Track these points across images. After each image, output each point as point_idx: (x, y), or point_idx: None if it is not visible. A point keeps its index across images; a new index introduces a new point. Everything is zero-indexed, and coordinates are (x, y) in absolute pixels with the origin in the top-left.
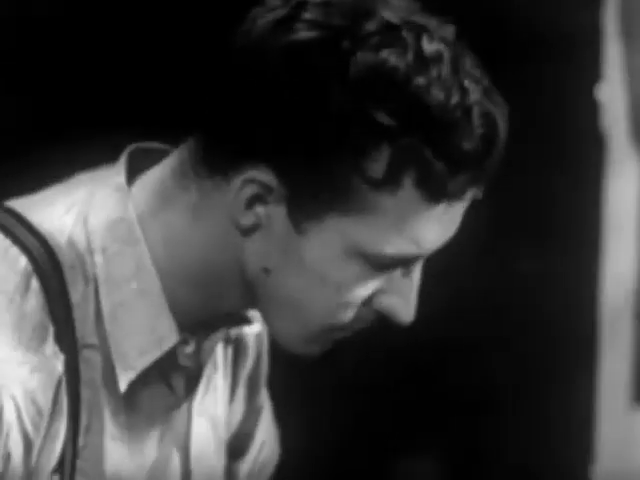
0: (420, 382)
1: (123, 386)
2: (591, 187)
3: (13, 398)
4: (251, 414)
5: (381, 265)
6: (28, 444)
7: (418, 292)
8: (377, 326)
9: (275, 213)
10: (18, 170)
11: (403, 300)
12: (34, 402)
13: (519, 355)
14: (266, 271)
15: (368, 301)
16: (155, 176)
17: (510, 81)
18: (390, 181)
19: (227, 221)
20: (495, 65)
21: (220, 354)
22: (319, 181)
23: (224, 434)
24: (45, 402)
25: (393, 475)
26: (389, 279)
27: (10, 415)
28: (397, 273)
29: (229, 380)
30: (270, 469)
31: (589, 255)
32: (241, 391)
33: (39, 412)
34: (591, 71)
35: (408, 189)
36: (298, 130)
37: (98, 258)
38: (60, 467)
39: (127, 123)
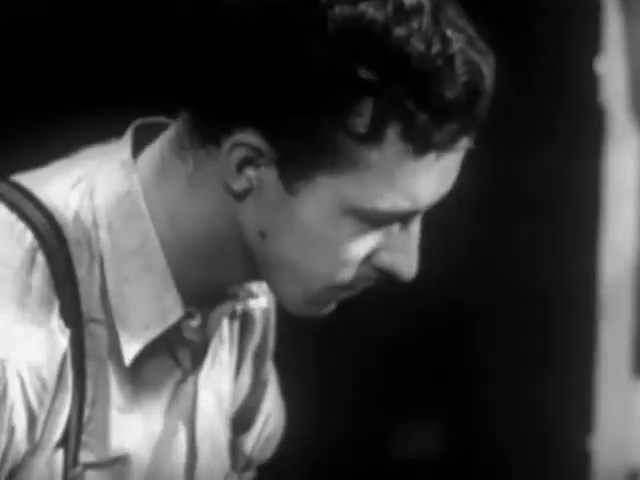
0: (419, 350)
1: (128, 359)
2: (590, 160)
3: (18, 372)
4: (257, 388)
5: (376, 221)
6: (32, 418)
7: (418, 247)
8: (380, 292)
9: (266, 176)
10: (22, 146)
11: (404, 256)
12: (39, 376)
13: (519, 325)
14: (262, 235)
15: (368, 259)
16: (156, 150)
17: (509, 54)
18: (375, 135)
19: (221, 188)
20: (494, 38)
21: (226, 329)
22: (305, 140)
23: (229, 408)
24: (50, 376)
25: (393, 441)
26: (388, 236)
27: (15, 389)
28: (396, 229)
29: (235, 354)
30: (275, 442)
31: (589, 228)
32: (247, 365)
33: (44, 386)
34: (591, 44)
35: (393, 142)
36: (280, 89)
37: (103, 233)
38: (65, 441)
39: (130, 98)
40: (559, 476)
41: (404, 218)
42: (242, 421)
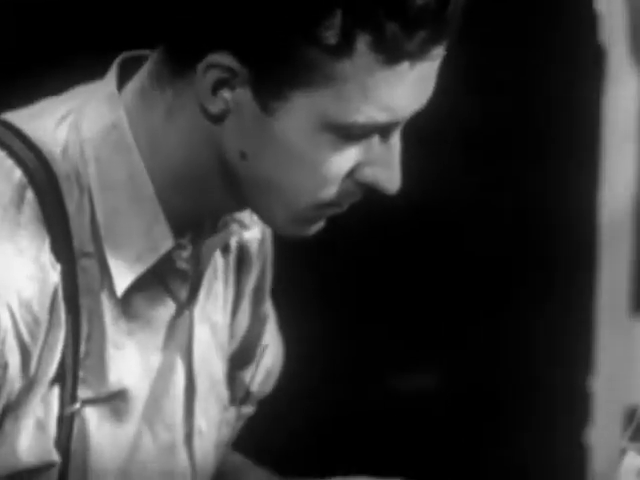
0: (419, 298)
1: (120, 291)
2: (590, 99)
3: (8, 307)
4: (256, 323)
5: (355, 135)
6: (25, 353)
7: (400, 160)
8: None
9: (242, 97)
10: (15, 93)
11: (386, 169)
12: (30, 311)
13: (519, 265)
14: (243, 156)
15: (351, 174)
16: (137, 82)
17: None
18: (345, 47)
19: (200, 113)
20: None
21: (220, 262)
22: (277, 58)
23: (224, 341)
24: (41, 311)
25: (389, 379)
26: (368, 150)
27: (6, 323)
28: (376, 143)
29: (232, 289)
30: (275, 377)
31: (588, 167)
32: (246, 301)
33: (35, 321)
34: None
35: (364, 53)
36: (249, 7)
37: (92, 167)
38: (61, 377)
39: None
40: (558, 415)
41: (383, 131)
42: (242, 356)
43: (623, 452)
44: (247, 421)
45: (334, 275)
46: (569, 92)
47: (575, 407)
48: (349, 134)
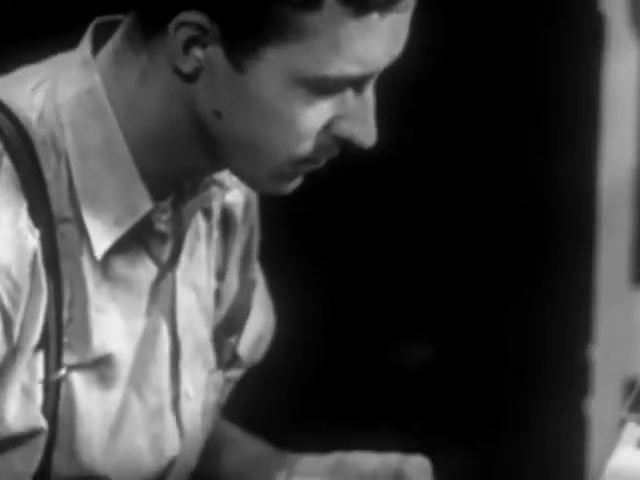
0: (416, 269)
1: (99, 254)
2: (589, 71)
3: None
4: (244, 289)
5: (327, 89)
6: (7, 319)
7: (375, 113)
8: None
9: (213, 55)
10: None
11: (361, 123)
12: (9, 276)
13: (518, 236)
14: (217, 114)
15: (327, 129)
16: (112, 45)
17: None
18: (314, 0)
19: (173, 74)
20: None
21: (203, 226)
22: (247, 14)
23: (209, 305)
24: (20, 276)
25: (386, 348)
26: (342, 104)
27: None
28: (350, 97)
29: (218, 254)
30: (267, 341)
31: (588, 137)
32: (234, 265)
33: (15, 286)
34: None
35: (333, 5)
36: None
37: (68, 131)
38: (44, 343)
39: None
40: (558, 385)
41: (356, 84)
42: (231, 322)
43: (622, 423)
44: (243, 391)
45: (331, 246)
46: (569, 63)
47: (575, 378)
48: (322, 88)
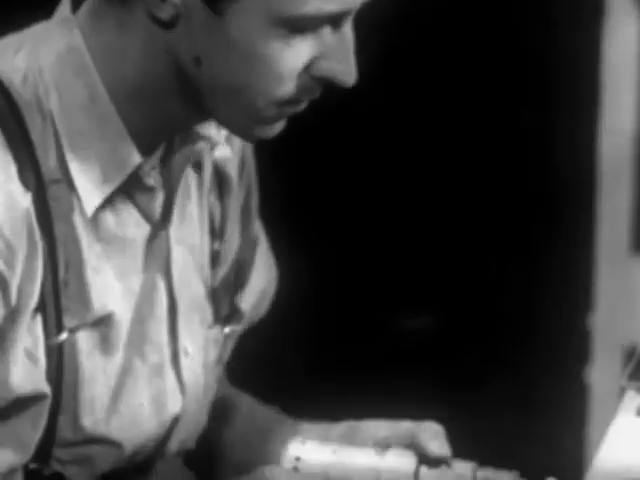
0: (418, 236)
1: (90, 212)
2: (590, 38)
3: None
4: (246, 245)
5: (305, 28)
6: (3, 281)
7: (355, 51)
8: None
9: (190, 0)
10: None
11: (341, 62)
12: (1, 235)
13: (518, 202)
14: (197, 61)
15: (307, 70)
16: (90, 1)
17: None
18: None
19: (151, 23)
20: None
21: (194, 184)
22: None
23: (205, 263)
24: (14, 237)
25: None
26: (322, 43)
27: None
28: (328, 36)
29: (215, 211)
30: (268, 299)
31: (589, 104)
32: (234, 224)
33: (8, 247)
34: None
35: None
36: None
37: (52, 92)
38: (42, 306)
39: None
40: (558, 353)
41: (333, 22)
42: (233, 279)
43: (622, 390)
44: (245, 349)
45: (334, 209)
46: (569, 32)
47: (575, 346)
48: (300, 27)
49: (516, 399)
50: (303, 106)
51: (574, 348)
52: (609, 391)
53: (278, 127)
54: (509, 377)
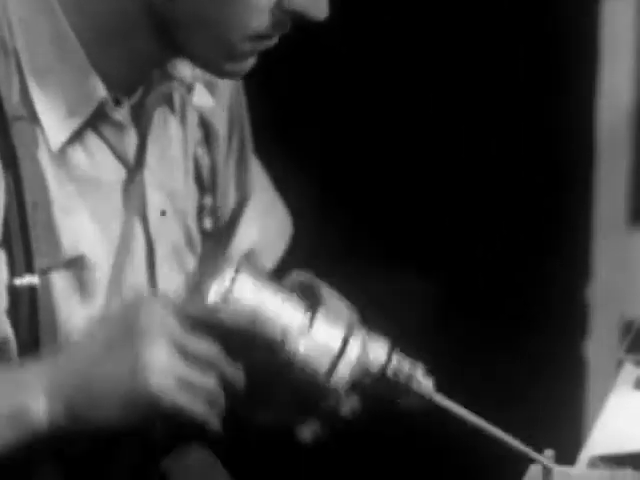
0: (417, 209)
1: (55, 147)
2: (587, 5)
3: None
4: (244, 195)
5: None
6: None
7: None
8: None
9: None
10: None
11: None
12: None
13: (515, 176)
14: None
15: (279, 5)
16: None
17: None
18: None
19: None
20: None
21: (174, 127)
22: None
23: (187, 210)
24: None
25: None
26: None
27: None
28: None
29: (200, 164)
30: (278, 247)
31: (586, 75)
32: (226, 173)
33: None
34: None
35: None
36: None
37: (16, 29)
38: (7, 243)
39: None
40: (555, 326)
41: None
42: (225, 232)
43: (620, 364)
44: None
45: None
46: (567, 2)
47: (572, 319)
48: None
49: (513, 372)
50: (274, 41)
51: (572, 321)
52: (607, 364)
53: (249, 63)
54: (506, 350)
